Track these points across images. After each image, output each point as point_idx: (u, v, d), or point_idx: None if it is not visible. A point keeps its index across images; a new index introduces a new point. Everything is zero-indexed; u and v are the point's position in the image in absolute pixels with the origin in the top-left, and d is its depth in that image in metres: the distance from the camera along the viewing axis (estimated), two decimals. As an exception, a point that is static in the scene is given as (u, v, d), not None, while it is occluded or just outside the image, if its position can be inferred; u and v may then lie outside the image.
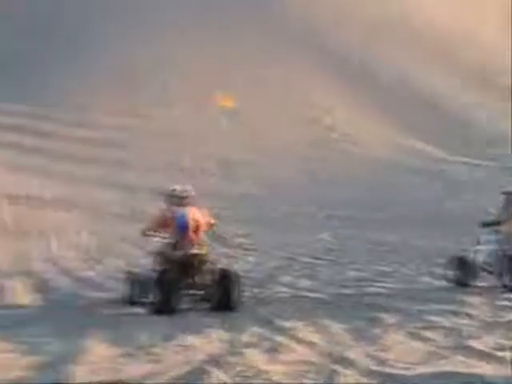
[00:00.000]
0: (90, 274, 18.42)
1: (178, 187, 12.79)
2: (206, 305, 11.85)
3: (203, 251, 12.24)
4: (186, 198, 12.51)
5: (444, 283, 14.16)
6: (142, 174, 39.57)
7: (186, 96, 55.92)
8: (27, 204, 32.37)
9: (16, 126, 50.65)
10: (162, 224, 12.47)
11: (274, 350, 8.38)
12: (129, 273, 13.26)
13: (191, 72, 60.80)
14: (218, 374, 7.14)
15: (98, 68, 61.62)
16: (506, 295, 12.34)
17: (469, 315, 10.41)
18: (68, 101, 56.16)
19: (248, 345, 8.77)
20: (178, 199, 12.47)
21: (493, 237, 14.14)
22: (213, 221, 12.80)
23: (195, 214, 12.40)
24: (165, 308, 11.43)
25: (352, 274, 16.95)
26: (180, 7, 68.82)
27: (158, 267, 12.21)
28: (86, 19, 70.56)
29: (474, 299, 11.96)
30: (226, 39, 62.12)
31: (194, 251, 12.12)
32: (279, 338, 9.11)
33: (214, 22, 65.24)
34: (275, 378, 6.92)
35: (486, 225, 14.36)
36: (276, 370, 7.28)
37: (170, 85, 58.23)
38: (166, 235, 12.34)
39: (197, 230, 12.28)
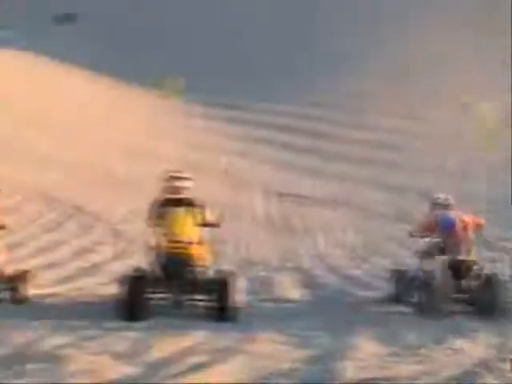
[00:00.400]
0: (357, 272, 18.55)
1: (441, 195, 13.05)
2: (471, 309, 11.65)
3: (471, 257, 12.02)
4: (448, 205, 12.69)
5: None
6: (410, 175, 39.32)
7: (453, 97, 55.14)
8: (296, 202, 33.28)
9: (290, 127, 52.72)
10: (428, 228, 12.56)
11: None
12: (395, 271, 13.34)
13: (457, 71, 59.97)
14: (489, 379, 7.00)
15: (375, 70, 62.81)
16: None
17: None
18: (347, 103, 57.85)
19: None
20: (441, 207, 12.71)
21: None
22: (482, 221, 12.67)
23: (461, 216, 12.36)
24: (431, 310, 11.31)
25: None
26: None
27: (425, 267, 12.17)
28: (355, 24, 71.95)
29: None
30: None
31: (462, 257, 11.94)
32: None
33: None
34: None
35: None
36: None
37: (440, 85, 57.74)
38: (434, 237, 12.34)
39: (465, 228, 12.15)
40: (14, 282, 12.02)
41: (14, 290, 11.93)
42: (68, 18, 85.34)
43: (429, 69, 64.32)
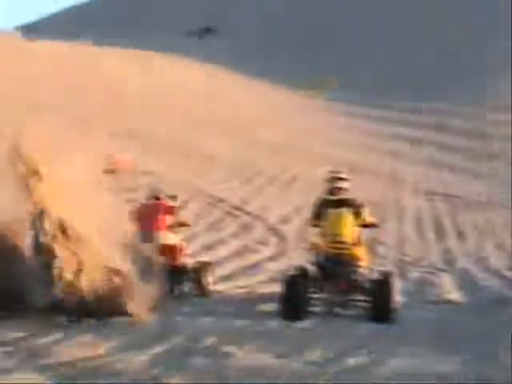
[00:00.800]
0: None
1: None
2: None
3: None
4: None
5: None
6: None
7: None
8: (448, 202, 32.83)
9: (440, 125, 52.09)
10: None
11: None
12: None
13: None
14: None
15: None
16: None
17: None
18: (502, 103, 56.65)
19: None
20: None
21: None
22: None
23: None
24: None
25: None
26: None
27: None
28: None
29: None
30: None
31: None
32: None
33: None
34: None
35: None
36: None
37: None
38: None
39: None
40: (197, 273, 12.43)
41: (196, 282, 12.35)
42: (209, 31, 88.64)
43: None
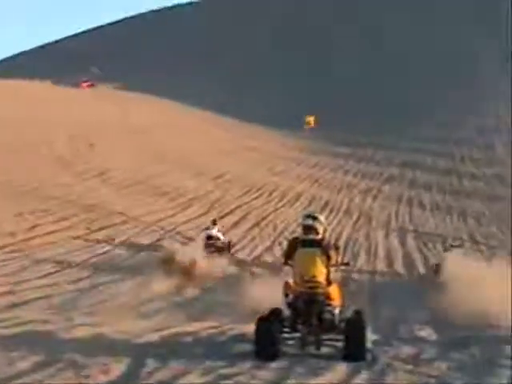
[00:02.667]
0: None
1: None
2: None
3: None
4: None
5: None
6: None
7: None
8: (421, 238, 33.00)
9: (415, 164, 52.49)
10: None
11: None
12: None
13: None
14: None
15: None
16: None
17: None
18: (476, 139, 57.67)
19: None
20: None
21: None
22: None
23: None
24: None
25: None
26: None
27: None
28: None
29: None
30: None
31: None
32: None
33: None
34: None
35: None
36: None
37: None
38: None
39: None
40: None
41: None
42: None
43: None
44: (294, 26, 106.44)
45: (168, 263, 20.72)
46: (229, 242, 25.72)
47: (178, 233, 28.81)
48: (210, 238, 24.99)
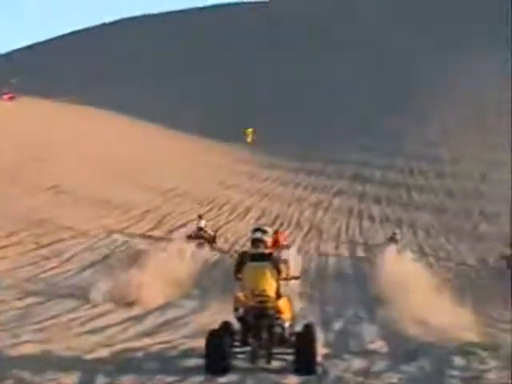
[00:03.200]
0: (443, 322, 18.34)
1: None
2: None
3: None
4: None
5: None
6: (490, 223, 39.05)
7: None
8: (369, 250, 33.21)
9: (361, 177, 52.91)
10: None
11: None
12: None
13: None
14: None
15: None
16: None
17: None
18: (424, 152, 58.35)
19: None
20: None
21: None
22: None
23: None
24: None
25: None
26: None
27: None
28: None
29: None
30: None
31: None
32: None
33: None
34: None
35: None
36: None
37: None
38: None
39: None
40: None
41: None
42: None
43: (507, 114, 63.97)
44: (233, 40, 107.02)
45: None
46: (214, 235, 30.92)
47: (128, 247, 28.61)
48: (200, 229, 30.67)
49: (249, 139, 67.09)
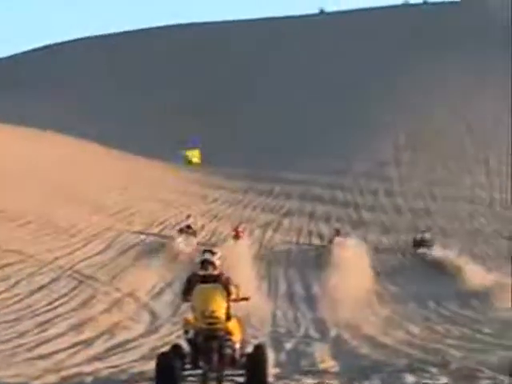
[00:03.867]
0: (389, 340, 18.47)
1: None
2: None
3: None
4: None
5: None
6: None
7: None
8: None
9: (309, 196, 53.16)
10: None
11: None
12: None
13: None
14: None
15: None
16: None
17: None
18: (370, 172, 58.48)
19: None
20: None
21: None
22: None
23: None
24: None
25: None
26: None
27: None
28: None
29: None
30: None
31: None
32: None
33: None
34: None
35: None
36: None
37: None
38: None
39: None
40: None
41: None
42: None
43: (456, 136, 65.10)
44: (188, 62, 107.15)
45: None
46: (195, 231, 39.00)
47: (76, 271, 28.29)
48: (188, 227, 38.60)
49: (194, 160, 66.93)
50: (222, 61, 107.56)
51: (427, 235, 38.55)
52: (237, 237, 37.91)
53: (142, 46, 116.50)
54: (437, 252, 36.22)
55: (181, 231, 37.86)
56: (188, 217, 40.24)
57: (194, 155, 66.90)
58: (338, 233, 38.67)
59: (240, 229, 39.32)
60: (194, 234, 38.62)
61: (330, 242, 37.47)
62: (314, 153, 68.11)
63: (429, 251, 36.71)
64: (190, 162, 66.54)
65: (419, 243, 38.07)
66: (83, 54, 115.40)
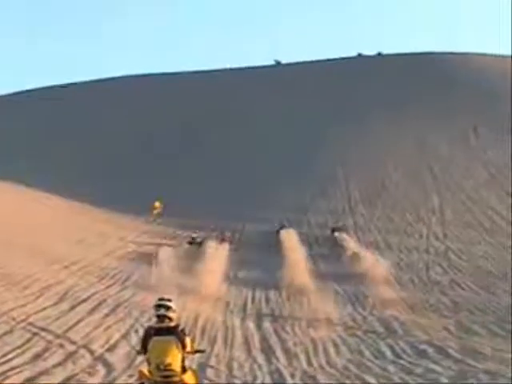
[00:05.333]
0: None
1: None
2: None
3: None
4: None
5: None
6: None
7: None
8: (276, 322, 33.20)
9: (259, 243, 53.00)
10: None
11: None
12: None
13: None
14: None
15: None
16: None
17: None
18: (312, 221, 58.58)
19: None
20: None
21: None
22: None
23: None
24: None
25: None
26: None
27: None
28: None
29: None
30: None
31: None
32: None
33: None
34: None
35: None
36: None
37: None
38: None
39: None
40: None
41: None
42: None
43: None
44: (147, 116, 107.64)
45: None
46: (201, 241, 50.81)
47: (30, 323, 27.79)
48: (193, 238, 51.83)
49: (156, 212, 66.88)
50: (177, 110, 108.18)
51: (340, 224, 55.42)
52: (223, 240, 51.75)
53: (91, 96, 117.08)
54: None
55: (190, 243, 51.20)
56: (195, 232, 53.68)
57: (156, 206, 66.91)
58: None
59: (226, 235, 53.41)
60: (200, 243, 50.21)
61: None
62: (266, 204, 68.21)
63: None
64: (155, 214, 66.54)
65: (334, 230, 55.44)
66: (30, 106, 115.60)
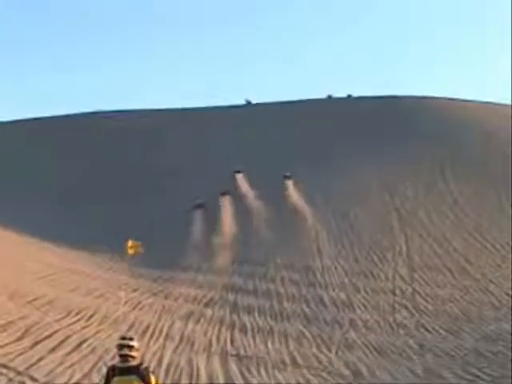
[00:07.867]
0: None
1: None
2: None
3: None
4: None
5: None
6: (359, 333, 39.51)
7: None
8: (243, 362, 32.97)
9: (235, 287, 52.71)
10: None
11: None
12: None
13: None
14: None
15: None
16: None
17: None
18: (296, 262, 58.60)
19: None
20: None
21: None
22: None
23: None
24: None
25: None
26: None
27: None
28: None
29: None
30: None
31: None
32: None
33: None
34: None
35: None
36: None
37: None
38: None
39: None
40: None
41: None
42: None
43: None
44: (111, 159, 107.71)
45: None
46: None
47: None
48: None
49: (131, 251, 66.25)
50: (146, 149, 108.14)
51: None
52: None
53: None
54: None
55: None
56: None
57: (133, 246, 66.18)
58: None
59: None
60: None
61: None
62: (237, 243, 68.16)
63: None
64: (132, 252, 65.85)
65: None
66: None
